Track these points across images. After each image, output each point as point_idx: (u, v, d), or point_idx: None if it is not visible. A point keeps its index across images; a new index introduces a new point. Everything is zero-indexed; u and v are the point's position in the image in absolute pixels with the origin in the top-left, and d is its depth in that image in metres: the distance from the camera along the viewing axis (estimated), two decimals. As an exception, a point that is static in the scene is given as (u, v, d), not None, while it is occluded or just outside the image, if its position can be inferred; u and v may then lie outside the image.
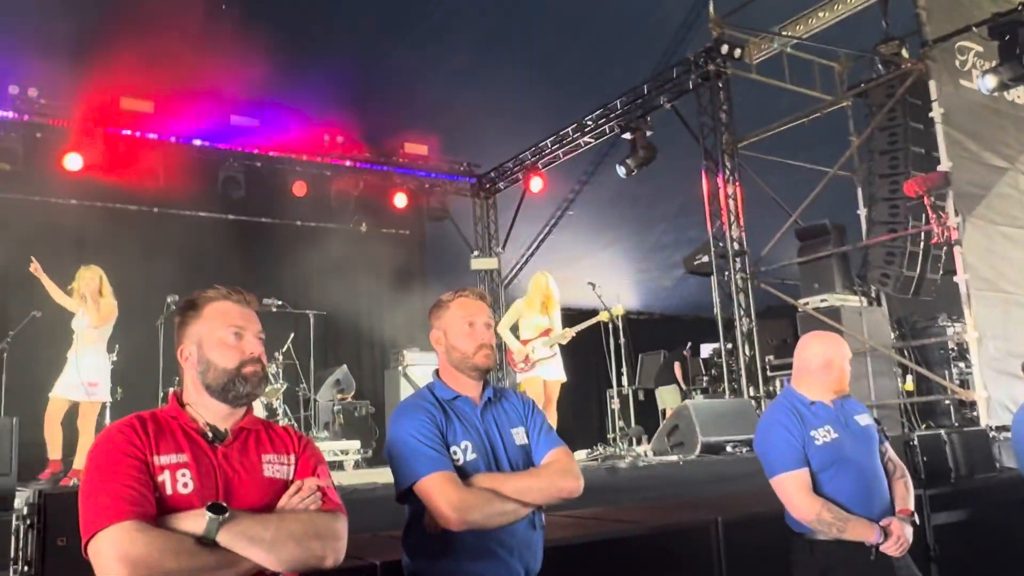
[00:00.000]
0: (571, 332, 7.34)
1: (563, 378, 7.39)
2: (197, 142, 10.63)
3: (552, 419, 7.25)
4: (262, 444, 2.10)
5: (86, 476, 1.90)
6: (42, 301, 8.54)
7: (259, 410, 7.91)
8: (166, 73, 9.31)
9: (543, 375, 7.31)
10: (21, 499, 3.63)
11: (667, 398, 11.82)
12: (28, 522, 2.95)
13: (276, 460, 2.08)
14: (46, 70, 9.10)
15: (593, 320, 7.46)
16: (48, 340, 9.05)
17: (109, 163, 9.74)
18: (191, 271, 9.27)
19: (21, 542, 2.98)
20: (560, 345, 7.38)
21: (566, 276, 7.77)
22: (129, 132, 10.11)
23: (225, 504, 1.88)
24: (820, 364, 3.13)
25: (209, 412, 2.06)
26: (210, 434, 2.03)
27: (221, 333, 2.09)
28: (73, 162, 9.50)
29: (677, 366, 11.87)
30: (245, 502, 1.95)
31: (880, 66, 9.78)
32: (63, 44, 8.60)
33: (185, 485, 1.91)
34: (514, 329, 7.46)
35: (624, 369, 9.41)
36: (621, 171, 10.62)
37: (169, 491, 1.89)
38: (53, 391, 6.74)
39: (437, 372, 2.65)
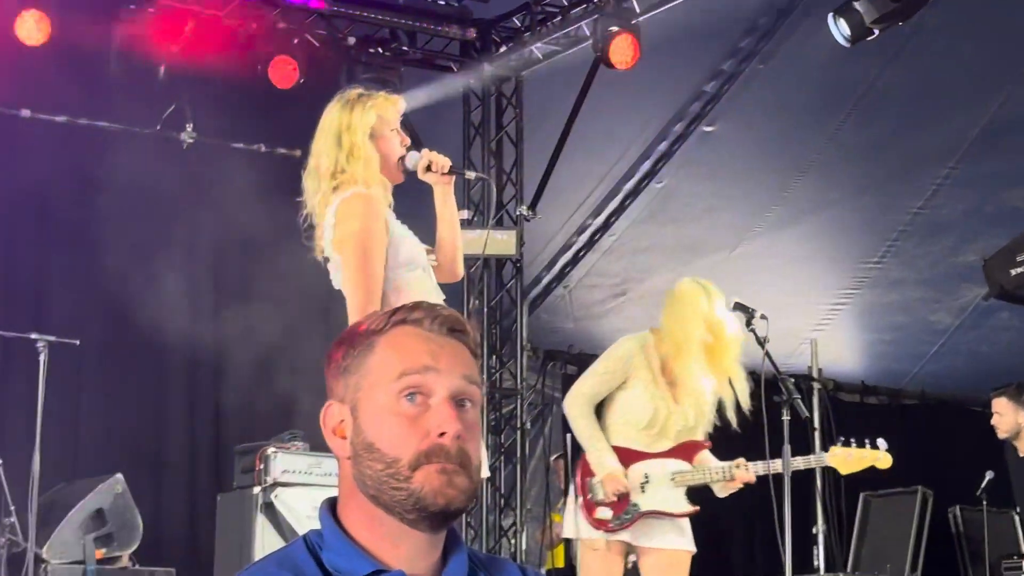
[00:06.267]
0: (750, 470, 4.34)
1: (692, 548, 4.52)
2: None
3: None
4: None
5: None
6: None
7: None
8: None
9: (643, 540, 4.39)
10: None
11: None
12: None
13: None
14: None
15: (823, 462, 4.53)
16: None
17: None
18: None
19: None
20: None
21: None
22: None
23: None
24: None
25: None
26: None
27: None
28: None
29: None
30: None
31: None
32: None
33: None
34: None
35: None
36: (840, 32, 6.61)
37: None
38: None
39: (333, 507, 1.43)
